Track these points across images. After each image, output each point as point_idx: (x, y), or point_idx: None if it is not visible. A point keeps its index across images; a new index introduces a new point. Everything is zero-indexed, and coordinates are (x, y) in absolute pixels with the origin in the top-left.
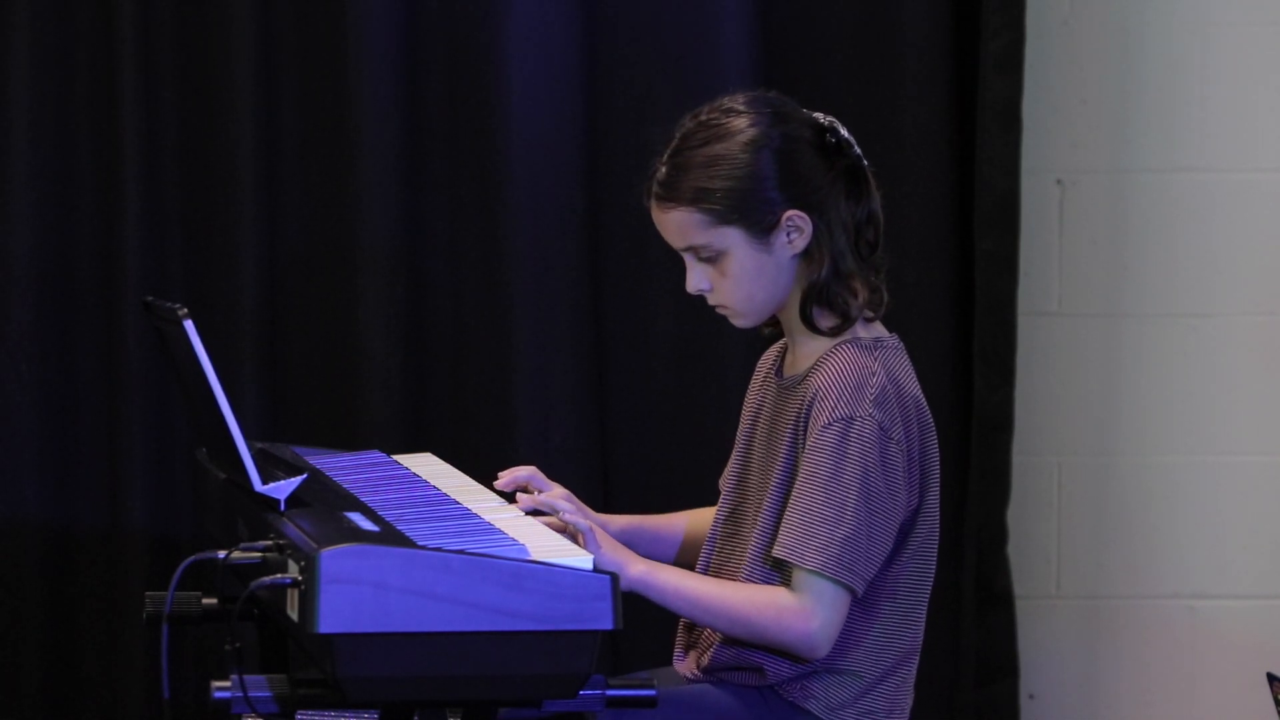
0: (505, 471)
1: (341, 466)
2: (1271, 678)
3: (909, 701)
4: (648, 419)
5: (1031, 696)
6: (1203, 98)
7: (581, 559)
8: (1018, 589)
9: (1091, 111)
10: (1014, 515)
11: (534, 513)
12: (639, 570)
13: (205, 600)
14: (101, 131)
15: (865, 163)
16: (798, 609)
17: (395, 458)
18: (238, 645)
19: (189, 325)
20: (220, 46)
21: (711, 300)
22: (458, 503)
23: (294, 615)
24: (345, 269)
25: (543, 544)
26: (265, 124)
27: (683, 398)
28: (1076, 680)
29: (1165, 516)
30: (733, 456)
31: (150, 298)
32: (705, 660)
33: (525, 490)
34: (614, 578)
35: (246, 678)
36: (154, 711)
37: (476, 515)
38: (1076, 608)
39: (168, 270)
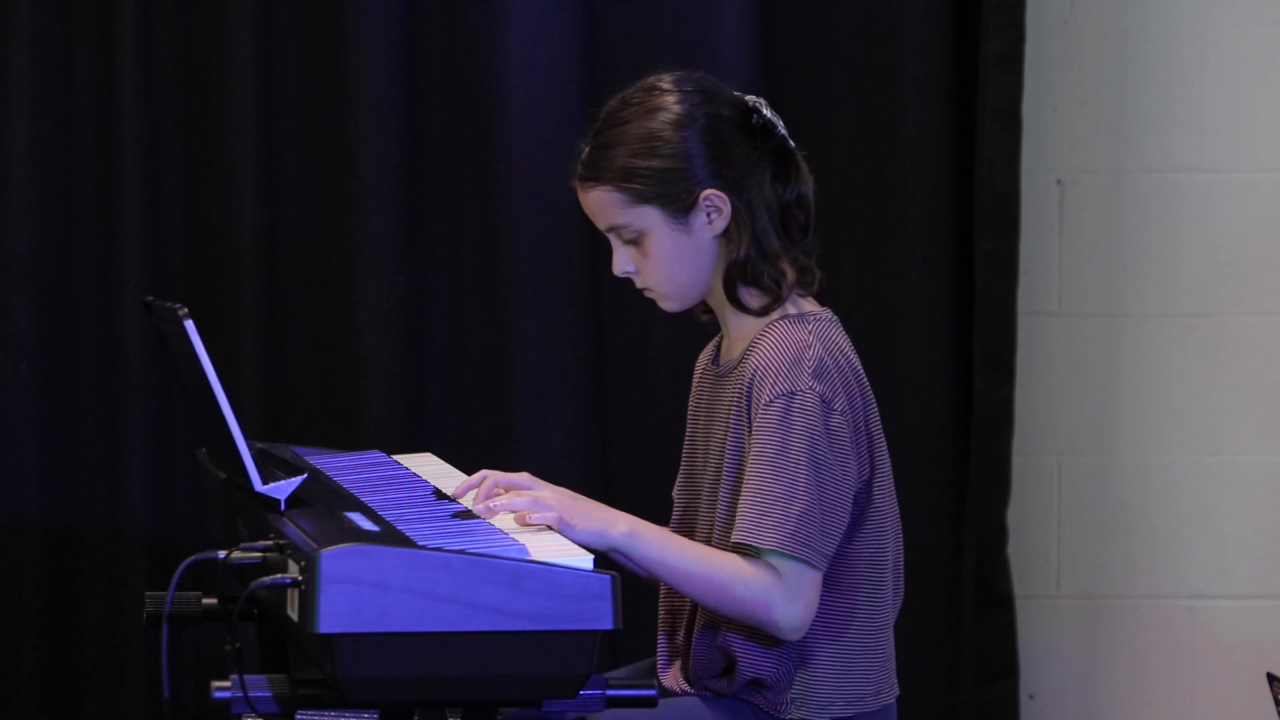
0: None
1: (341, 466)
2: (1271, 678)
3: (894, 679)
4: (648, 419)
5: (1031, 696)
6: (1202, 98)
7: (582, 559)
8: (1018, 589)
9: (1091, 111)
10: (1014, 515)
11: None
12: (622, 530)
13: (205, 600)
14: (101, 131)
15: (793, 144)
16: (784, 589)
17: (395, 458)
18: (238, 645)
19: (189, 325)
20: (220, 46)
21: (638, 283)
22: (457, 503)
23: (294, 615)
24: (345, 269)
25: (543, 544)
26: (265, 124)
27: (683, 398)
28: (1076, 680)
29: (1165, 516)
30: (681, 463)
31: (150, 298)
32: (688, 665)
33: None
34: (614, 578)
35: (246, 678)
36: (154, 711)
37: (476, 515)
38: (1076, 608)
39: (168, 270)
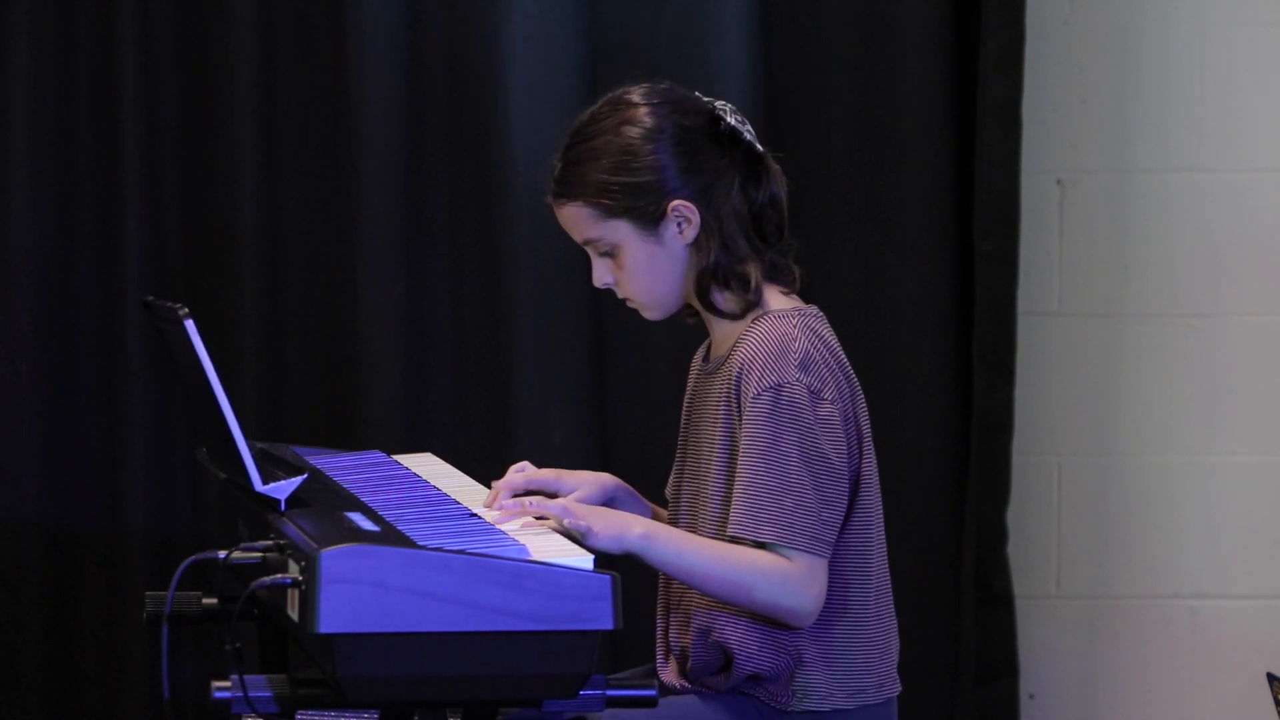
0: (495, 492)
1: (341, 466)
2: (1271, 678)
3: (895, 673)
4: (648, 419)
5: (1031, 696)
6: (1202, 98)
7: (582, 559)
8: (1018, 589)
9: (1091, 111)
10: (1014, 515)
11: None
12: (638, 533)
13: (205, 600)
14: (101, 131)
15: (761, 149)
16: (798, 579)
17: (395, 458)
18: (238, 645)
19: (189, 325)
20: (220, 46)
21: (619, 294)
22: (458, 503)
23: (294, 615)
24: (345, 269)
25: (543, 544)
26: (265, 123)
27: (682, 398)
28: (1076, 680)
29: (1165, 516)
30: (675, 461)
31: (150, 298)
32: (685, 663)
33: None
34: (614, 578)
35: (246, 678)
36: (154, 711)
37: (476, 515)
38: (1076, 608)
39: (168, 270)
